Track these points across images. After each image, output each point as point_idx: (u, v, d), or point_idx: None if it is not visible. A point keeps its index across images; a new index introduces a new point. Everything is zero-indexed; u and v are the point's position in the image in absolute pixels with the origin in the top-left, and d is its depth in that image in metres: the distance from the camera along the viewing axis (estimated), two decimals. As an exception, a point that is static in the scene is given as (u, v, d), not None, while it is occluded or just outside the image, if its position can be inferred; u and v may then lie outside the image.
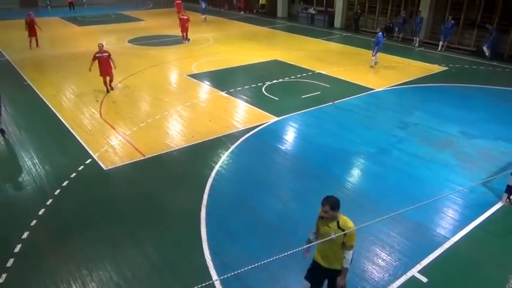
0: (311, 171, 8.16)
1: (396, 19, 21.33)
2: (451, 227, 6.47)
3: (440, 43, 19.30)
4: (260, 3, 31.29)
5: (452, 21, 18.75)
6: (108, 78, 12.63)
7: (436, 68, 16.07)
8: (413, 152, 8.96)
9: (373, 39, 16.07)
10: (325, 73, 14.94)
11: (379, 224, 6.26)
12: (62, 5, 28.69)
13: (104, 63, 12.35)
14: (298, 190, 7.53)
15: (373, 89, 13.23)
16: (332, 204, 4.20)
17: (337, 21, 25.34)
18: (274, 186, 7.65)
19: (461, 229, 6.40)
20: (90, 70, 12.49)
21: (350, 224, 4.24)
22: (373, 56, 15.87)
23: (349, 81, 14.06)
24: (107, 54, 12.38)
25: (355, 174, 8.25)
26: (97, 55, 12.33)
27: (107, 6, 32.22)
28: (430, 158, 8.69)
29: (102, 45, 12.50)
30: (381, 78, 14.44)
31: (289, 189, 7.64)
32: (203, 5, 27.18)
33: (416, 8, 20.92)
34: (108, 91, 12.69)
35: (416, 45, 20.28)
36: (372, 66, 15.87)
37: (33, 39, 18.64)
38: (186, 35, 20.42)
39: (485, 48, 17.84)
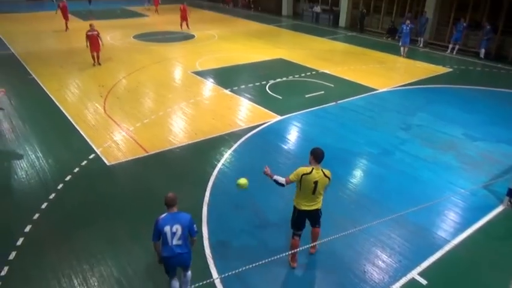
0: (313, 170, 8.16)
1: (403, 20, 20.91)
2: (451, 229, 6.47)
3: (451, 46, 18.78)
4: None
5: (465, 24, 18.39)
6: (95, 54, 14.98)
7: (440, 70, 16.02)
8: (416, 154, 8.95)
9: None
10: (329, 72, 14.93)
11: (380, 225, 6.27)
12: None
13: (93, 40, 14.58)
14: (300, 189, 7.53)
15: (377, 90, 13.20)
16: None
17: (342, 20, 25.29)
18: (276, 186, 7.64)
19: (462, 232, 6.40)
20: (86, 46, 14.79)
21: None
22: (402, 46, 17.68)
23: (353, 81, 14.04)
24: (96, 32, 14.55)
25: (357, 175, 8.25)
26: (88, 33, 14.51)
27: (112, 1, 32.23)
28: (433, 160, 8.68)
29: (93, 25, 14.70)
30: (384, 79, 14.41)
31: (291, 189, 7.63)
32: None
33: (421, 8, 20.84)
34: (94, 64, 15.05)
35: (421, 45, 20.20)
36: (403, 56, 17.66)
37: (66, 23, 21.67)
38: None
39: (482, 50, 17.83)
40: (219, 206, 6.92)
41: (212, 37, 21.02)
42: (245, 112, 11.22)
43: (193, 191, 7.35)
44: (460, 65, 16.87)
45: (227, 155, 8.71)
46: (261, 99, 12.09)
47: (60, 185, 7.39)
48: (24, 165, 8.16)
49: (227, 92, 12.68)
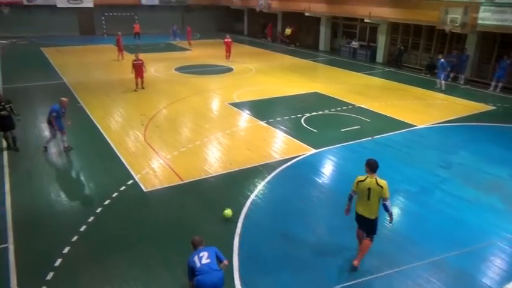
0: (348, 206, 7.98)
1: (448, 57, 20.40)
2: (497, 277, 6.04)
3: (493, 83, 18.18)
4: (285, 34, 32.17)
5: (508, 61, 17.85)
6: (139, 80, 16.67)
7: (482, 107, 15.50)
8: (457, 194, 8.57)
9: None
10: (365, 107, 14.83)
11: (419, 268, 5.98)
12: (116, 34, 30.94)
13: (138, 68, 16.45)
14: (334, 225, 7.37)
15: (415, 126, 12.92)
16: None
17: (380, 56, 25.30)
18: (309, 220, 7.54)
19: (510, 280, 5.96)
20: (131, 73, 16.63)
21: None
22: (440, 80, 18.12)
23: (390, 117, 13.84)
24: (140, 61, 16.46)
25: (394, 213, 7.93)
26: (134, 62, 16.41)
27: (157, 35, 34.12)
28: (476, 201, 8.26)
29: (138, 55, 16.69)
30: (423, 115, 14.10)
31: (324, 224, 7.51)
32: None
33: (461, 45, 20.51)
34: (137, 89, 16.65)
35: (462, 82, 19.72)
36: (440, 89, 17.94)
37: (120, 55, 23.65)
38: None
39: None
40: (251, 238, 6.87)
41: (250, 70, 21.61)
42: (280, 144, 11.28)
43: (225, 221, 7.36)
44: (504, 103, 16.26)
45: (261, 186, 8.72)
46: (296, 132, 12.14)
47: (99, 209, 7.64)
48: (68, 188, 8.55)
49: (263, 123, 12.85)
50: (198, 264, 4.81)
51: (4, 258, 6.23)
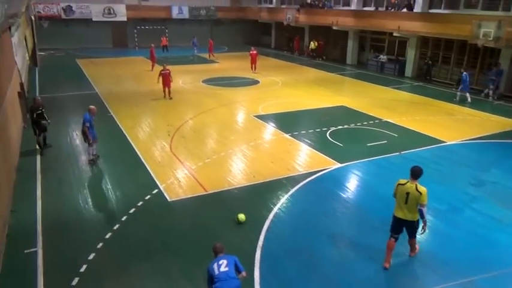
0: (373, 223, 7.80)
1: (489, 74, 19.67)
2: (533, 303, 5.72)
3: None
4: (310, 47, 32.20)
5: None
6: (167, 89, 17.46)
7: (518, 124, 14.90)
8: (489, 213, 8.21)
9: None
10: (393, 122, 14.56)
11: (447, 289, 5.73)
12: (147, 46, 32.01)
13: (166, 77, 17.29)
14: (358, 242, 7.21)
15: (445, 142, 12.55)
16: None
17: (408, 70, 24.85)
18: (333, 235, 7.41)
19: (546, 308, 5.63)
20: (158, 82, 17.52)
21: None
22: (461, 92, 18.12)
23: (418, 132, 13.51)
24: (168, 71, 17.25)
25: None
26: (162, 72, 17.30)
27: (186, 48, 34.92)
28: (509, 222, 7.89)
29: (165, 66, 17.47)
30: (453, 131, 13.68)
31: (348, 240, 7.35)
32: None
33: (495, 59, 19.90)
34: (165, 97, 17.49)
35: (495, 98, 19.06)
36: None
37: (152, 65, 24.66)
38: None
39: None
40: (273, 251, 6.82)
41: (276, 83, 21.71)
42: (304, 157, 11.21)
43: (247, 233, 7.35)
44: (541, 120, 15.57)
45: (284, 199, 8.67)
46: (321, 145, 12.04)
47: (124, 217, 7.80)
48: (95, 195, 8.79)
49: (287, 136, 12.83)
50: (216, 272, 4.89)
51: (33, 262, 6.44)
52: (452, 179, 9.86)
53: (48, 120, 11.17)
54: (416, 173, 6.10)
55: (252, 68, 24.73)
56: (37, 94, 17.18)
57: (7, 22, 10.32)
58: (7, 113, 9.78)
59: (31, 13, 26.54)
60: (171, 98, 17.41)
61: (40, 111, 10.88)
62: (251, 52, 24.72)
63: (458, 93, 18.32)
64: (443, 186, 9.44)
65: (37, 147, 11.09)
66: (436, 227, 7.79)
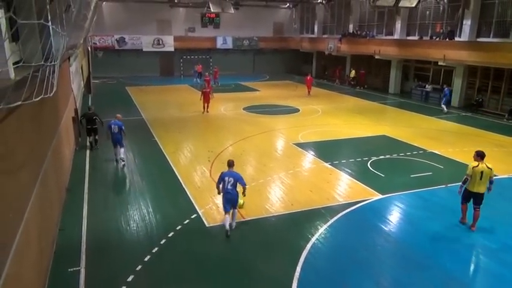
0: (417, 259, 7.42)
1: None
2: None
3: None
4: (350, 76, 32.20)
5: None
6: (206, 104, 20.37)
7: None
8: (548, 255, 7.56)
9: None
10: (438, 153, 13.99)
11: (500, 337, 5.27)
12: (191, 75, 33.28)
13: (206, 95, 20.32)
14: (401, 279, 6.86)
15: (495, 175, 11.78)
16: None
17: (455, 100, 23.96)
18: (373, 270, 7.11)
19: None
20: (200, 99, 20.49)
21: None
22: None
23: (465, 164, 12.77)
24: (208, 90, 20.46)
25: (470, 271, 7.23)
26: (203, 90, 20.62)
27: (229, 76, 35.97)
28: None
29: (205, 85, 21.46)
30: (504, 164, 12.88)
31: (390, 276, 7.02)
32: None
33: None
34: (203, 112, 20.44)
35: (553, 130, 17.87)
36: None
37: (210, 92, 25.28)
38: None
39: None
40: (309, 284, 6.63)
41: (316, 112, 21.70)
42: (344, 187, 10.98)
43: (284, 263, 7.22)
44: None
45: (322, 229, 8.48)
46: (362, 175, 11.76)
47: (163, 241, 7.94)
48: (137, 217, 9.05)
49: (327, 165, 12.67)
50: (226, 185, 8.08)
51: (76, 281, 6.66)
52: (504, 215, 9.23)
53: (102, 120, 13.87)
54: (483, 154, 8.18)
55: (307, 92, 27.22)
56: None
57: (67, 53, 11.21)
58: (61, 136, 10.45)
59: (88, 44, 28.64)
60: (208, 112, 20.43)
61: (95, 118, 13.73)
62: (307, 78, 27.44)
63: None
64: (494, 222, 8.84)
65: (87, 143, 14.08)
66: (486, 266, 7.28)
